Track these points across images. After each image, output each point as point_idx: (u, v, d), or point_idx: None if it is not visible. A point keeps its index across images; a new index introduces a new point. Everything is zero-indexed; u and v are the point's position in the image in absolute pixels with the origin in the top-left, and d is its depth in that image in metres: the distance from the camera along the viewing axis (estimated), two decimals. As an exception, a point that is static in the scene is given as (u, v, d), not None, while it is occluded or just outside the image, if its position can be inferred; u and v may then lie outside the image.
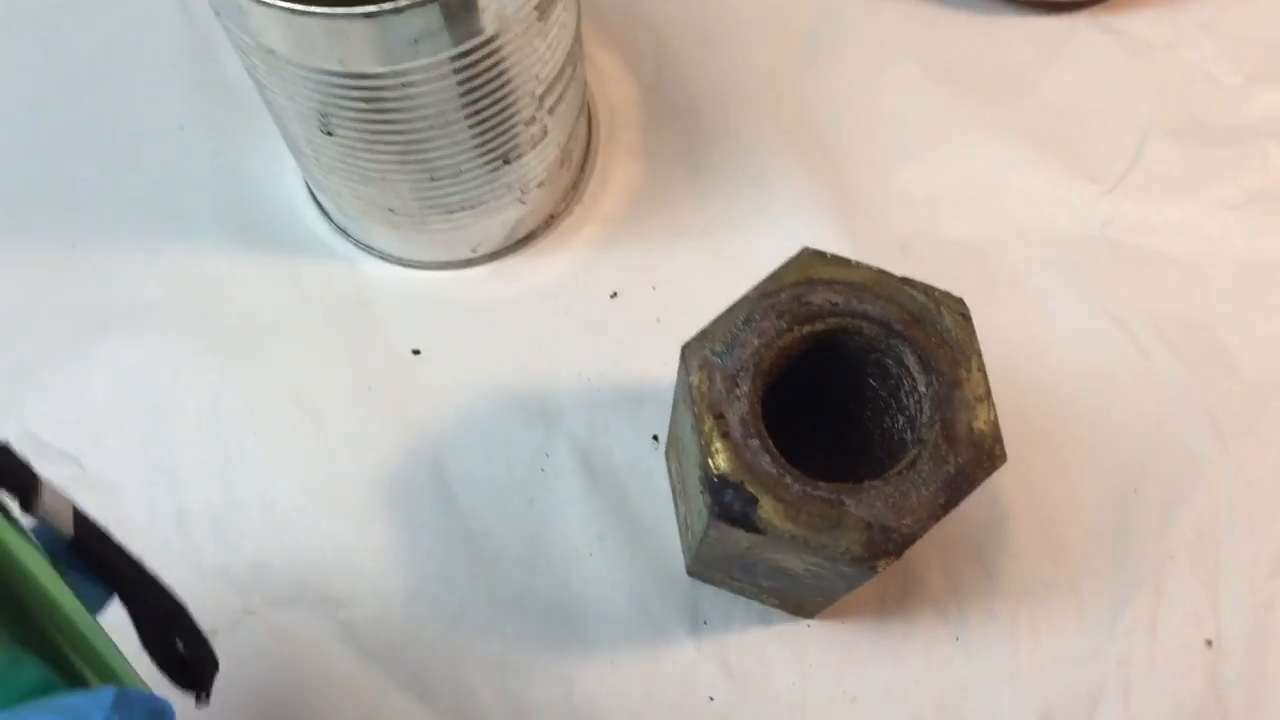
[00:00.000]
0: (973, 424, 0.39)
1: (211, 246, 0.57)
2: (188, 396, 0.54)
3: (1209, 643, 0.50)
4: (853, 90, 0.61)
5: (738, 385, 0.39)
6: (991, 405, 0.39)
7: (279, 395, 0.54)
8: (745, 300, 0.40)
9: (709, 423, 0.39)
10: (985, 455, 0.38)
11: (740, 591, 0.49)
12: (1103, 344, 0.55)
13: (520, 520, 0.51)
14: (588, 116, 0.58)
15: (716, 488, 0.38)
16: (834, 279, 0.41)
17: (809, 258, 0.41)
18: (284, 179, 0.59)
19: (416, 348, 0.55)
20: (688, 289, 0.56)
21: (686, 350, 0.40)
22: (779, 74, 0.61)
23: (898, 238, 0.57)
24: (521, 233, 0.56)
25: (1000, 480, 0.51)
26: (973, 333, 0.40)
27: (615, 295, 0.56)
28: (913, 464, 0.38)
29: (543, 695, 0.48)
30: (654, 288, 0.56)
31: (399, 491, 0.52)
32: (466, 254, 0.56)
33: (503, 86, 0.44)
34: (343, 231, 0.57)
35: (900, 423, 0.42)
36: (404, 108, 0.42)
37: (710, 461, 0.38)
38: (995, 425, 0.39)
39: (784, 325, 0.40)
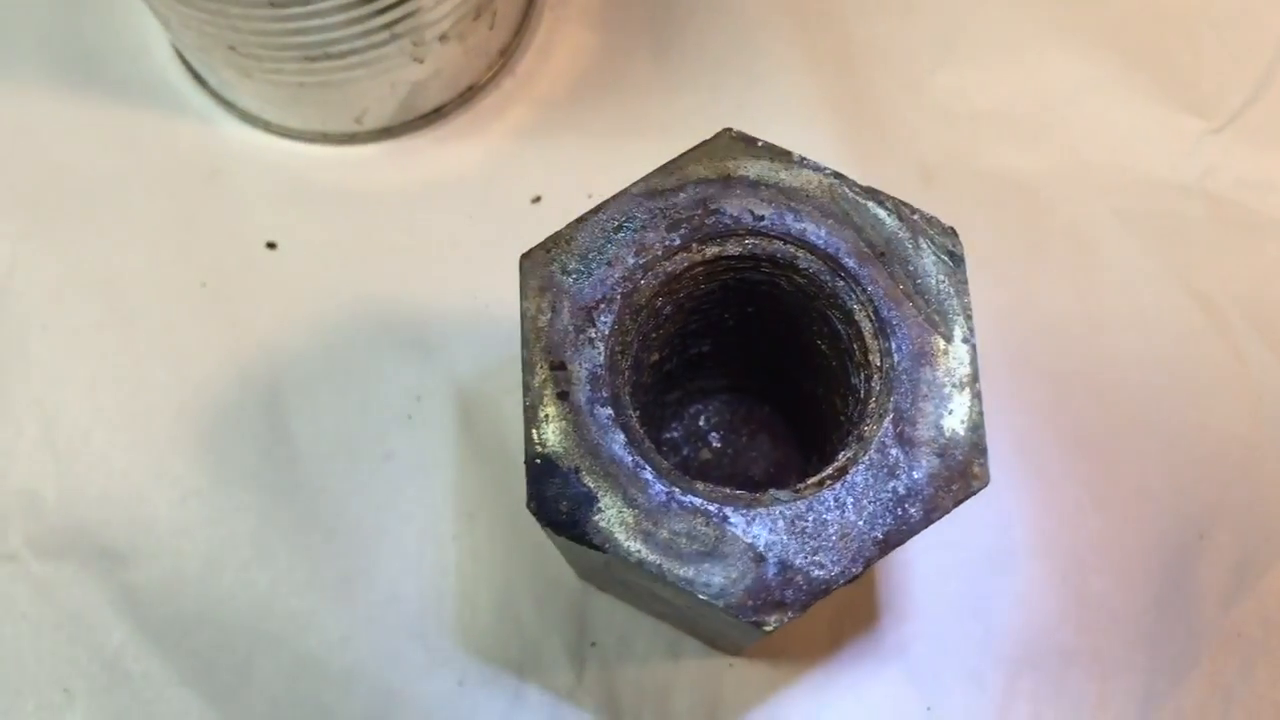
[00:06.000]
0: (943, 421, 0.27)
1: (27, 81, 0.50)
2: (-36, 270, 0.48)
3: (1278, 758, 0.43)
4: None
5: (594, 323, 0.28)
6: (977, 397, 0.27)
7: (83, 279, 0.47)
8: (623, 197, 0.29)
9: (541, 373, 0.28)
10: (956, 472, 0.27)
11: (642, 608, 0.41)
12: (1182, 331, 0.48)
13: (370, 479, 0.45)
14: (534, -42, 0.51)
15: (538, 471, 0.27)
16: (762, 179, 0.29)
17: (730, 142, 0.30)
18: (137, 5, 0.51)
19: (272, 240, 0.48)
20: (634, 202, 0.47)
21: (525, 263, 0.29)
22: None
23: (922, 161, 0.50)
24: (424, 105, 0.48)
25: (1014, 500, 0.44)
26: (963, 282, 0.28)
27: (538, 200, 0.49)
28: (842, 472, 0.27)
29: (363, 716, 0.42)
30: (590, 196, 0.48)
31: (218, 422, 0.45)
32: (349, 125, 0.48)
33: None
34: (199, 80, 0.49)
35: (851, 407, 0.29)
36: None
37: (534, 432, 0.27)
38: (978, 429, 0.27)
39: (676, 241, 0.29)
